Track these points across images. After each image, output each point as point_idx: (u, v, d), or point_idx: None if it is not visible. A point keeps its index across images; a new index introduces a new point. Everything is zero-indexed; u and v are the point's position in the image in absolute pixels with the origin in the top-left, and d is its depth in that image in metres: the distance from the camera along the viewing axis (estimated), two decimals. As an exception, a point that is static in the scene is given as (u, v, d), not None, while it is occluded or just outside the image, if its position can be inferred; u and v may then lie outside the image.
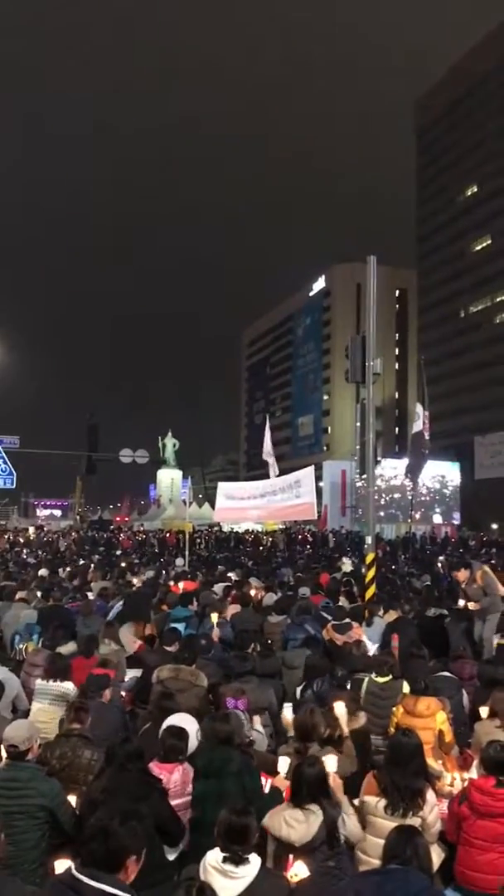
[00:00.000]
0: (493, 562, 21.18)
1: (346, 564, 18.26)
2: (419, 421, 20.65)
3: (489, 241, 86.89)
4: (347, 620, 9.11)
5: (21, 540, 37.42)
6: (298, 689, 6.92)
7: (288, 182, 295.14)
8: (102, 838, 2.72)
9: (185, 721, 5.25)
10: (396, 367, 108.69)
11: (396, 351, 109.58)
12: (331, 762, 4.58)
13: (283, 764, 4.96)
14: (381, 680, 6.89)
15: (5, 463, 11.88)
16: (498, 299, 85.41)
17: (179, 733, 5.01)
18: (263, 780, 4.98)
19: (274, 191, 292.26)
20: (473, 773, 5.05)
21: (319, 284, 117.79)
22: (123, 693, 7.49)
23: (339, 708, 5.77)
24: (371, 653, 8.26)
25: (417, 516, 41.32)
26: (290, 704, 6.30)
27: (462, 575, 11.00)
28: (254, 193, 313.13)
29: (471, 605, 10.25)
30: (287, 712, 6.12)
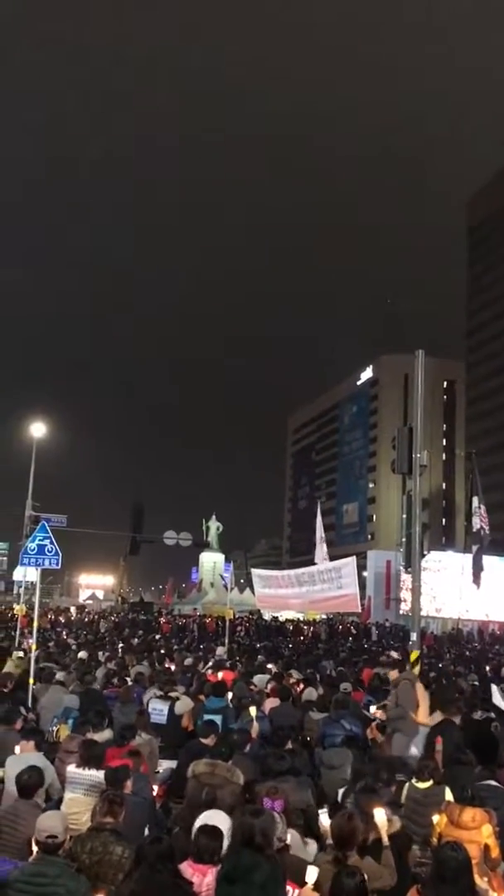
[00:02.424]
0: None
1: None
2: (476, 517, 19.99)
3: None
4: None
5: (62, 619, 37.38)
6: (341, 792, 6.65)
7: (339, 272, 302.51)
8: None
9: (218, 819, 5.07)
10: (444, 457, 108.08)
11: (444, 442, 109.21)
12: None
13: (312, 874, 4.74)
14: (422, 785, 6.59)
15: (52, 543, 11.94)
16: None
17: (213, 832, 4.83)
18: (290, 889, 4.73)
19: (324, 280, 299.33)
20: (521, 895, 4.76)
21: (367, 374, 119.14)
22: (156, 787, 7.30)
23: (380, 815, 5.49)
24: (414, 756, 7.95)
25: (466, 612, 40.25)
26: (326, 810, 6.04)
27: (393, 673, 10.66)
28: (305, 281, 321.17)
29: (378, 713, 9.67)
30: (323, 818, 5.87)
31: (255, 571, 18.84)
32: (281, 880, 4.62)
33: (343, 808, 5.91)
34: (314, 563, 22.09)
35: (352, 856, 4.81)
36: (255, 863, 4.48)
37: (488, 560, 45.53)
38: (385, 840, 5.42)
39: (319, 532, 25.68)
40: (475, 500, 20.61)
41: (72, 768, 6.74)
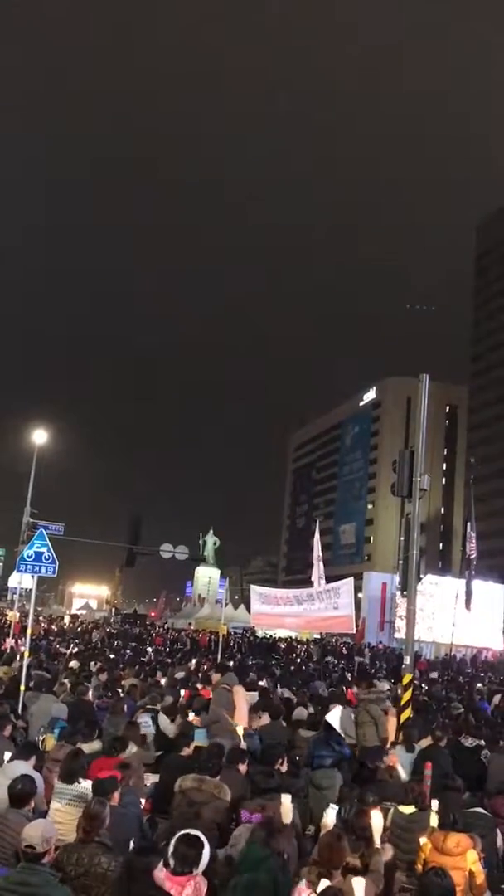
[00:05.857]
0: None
1: (383, 685, 17.60)
2: (471, 544, 20.01)
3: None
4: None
5: (55, 628, 37.27)
6: (326, 812, 6.63)
7: (344, 294, 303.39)
8: None
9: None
10: (443, 481, 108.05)
11: (444, 466, 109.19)
12: (358, 887, 4.34)
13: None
14: (406, 811, 6.53)
15: (50, 551, 11.97)
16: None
17: (194, 842, 4.75)
18: None
19: (332, 301, 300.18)
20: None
21: (370, 395, 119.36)
22: (143, 800, 7.26)
23: (377, 818, 5.40)
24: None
25: (460, 637, 40.03)
26: (336, 808, 6.00)
27: (215, 677, 11.21)
28: (313, 303, 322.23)
29: (195, 720, 9.81)
30: (330, 816, 5.84)
31: (254, 588, 18.81)
32: (289, 874, 4.90)
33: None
34: (310, 583, 22.03)
35: (336, 875, 4.77)
36: (267, 854, 4.73)
37: (488, 586, 45.52)
38: (377, 842, 5.45)
39: (316, 551, 25.61)
40: (468, 526, 20.65)
41: (58, 779, 6.72)
